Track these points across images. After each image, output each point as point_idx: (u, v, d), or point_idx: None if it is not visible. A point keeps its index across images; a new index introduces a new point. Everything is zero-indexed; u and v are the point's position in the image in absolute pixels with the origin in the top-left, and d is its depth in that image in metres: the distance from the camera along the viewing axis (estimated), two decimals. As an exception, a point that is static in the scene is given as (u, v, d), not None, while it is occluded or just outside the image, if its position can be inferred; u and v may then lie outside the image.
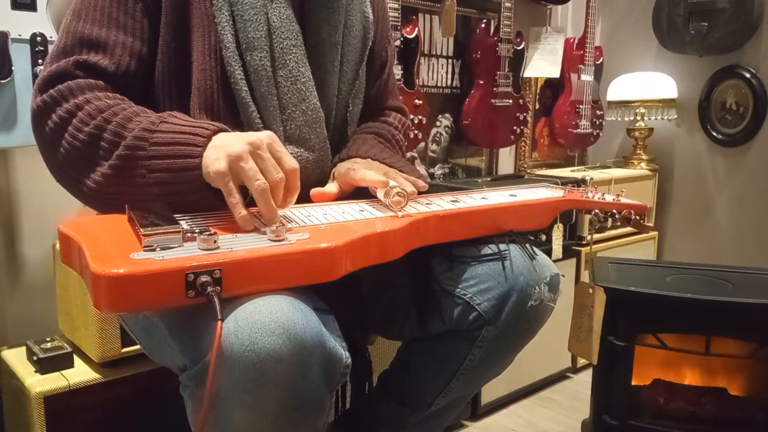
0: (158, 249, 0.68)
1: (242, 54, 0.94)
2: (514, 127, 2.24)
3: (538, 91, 2.49)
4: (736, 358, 1.50)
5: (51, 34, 1.30)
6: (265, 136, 0.80)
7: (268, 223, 0.76)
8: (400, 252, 0.84)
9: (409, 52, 1.92)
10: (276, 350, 0.67)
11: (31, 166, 1.42)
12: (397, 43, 1.85)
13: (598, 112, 2.51)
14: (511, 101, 2.19)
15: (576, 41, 2.41)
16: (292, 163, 0.81)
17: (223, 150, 0.78)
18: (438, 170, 2.21)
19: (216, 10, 0.93)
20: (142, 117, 0.85)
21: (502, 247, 0.99)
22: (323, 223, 0.82)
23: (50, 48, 1.30)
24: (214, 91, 0.93)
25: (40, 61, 1.29)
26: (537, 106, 2.50)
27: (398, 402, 1.10)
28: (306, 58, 1.00)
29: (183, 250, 0.69)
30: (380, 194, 0.91)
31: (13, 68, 1.26)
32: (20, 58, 1.28)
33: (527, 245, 1.00)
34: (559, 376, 2.12)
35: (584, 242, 2.11)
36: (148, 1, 0.93)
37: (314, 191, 0.96)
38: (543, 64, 2.36)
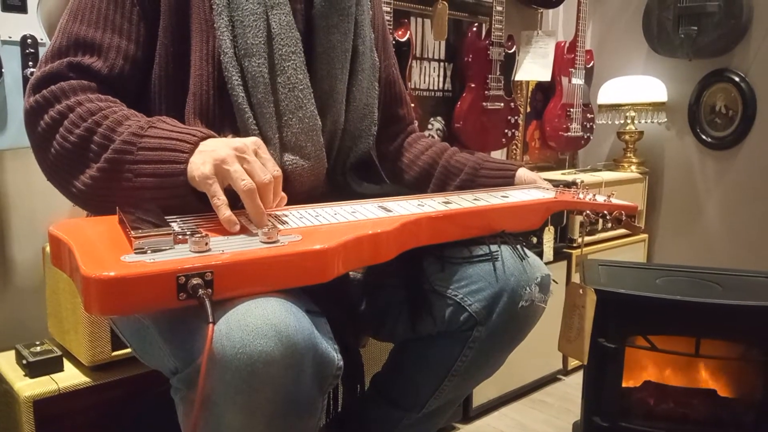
0: (149, 251, 0.68)
1: (240, 60, 0.94)
2: (506, 130, 2.25)
3: (529, 95, 2.50)
4: (726, 360, 1.51)
5: (42, 36, 1.30)
6: (250, 142, 0.81)
7: (256, 225, 0.76)
8: (393, 253, 0.84)
9: (401, 56, 1.93)
10: (268, 352, 0.67)
11: (20, 169, 1.42)
12: (392, 46, 1.86)
13: (588, 115, 2.52)
14: (502, 104, 2.20)
15: (567, 45, 2.43)
16: (275, 169, 0.81)
17: (208, 155, 0.78)
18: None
19: (215, 15, 0.93)
20: (132, 121, 0.84)
21: (493, 248, 0.99)
22: (315, 224, 0.82)
23: (41, 50, 1.29)
24: (210, 96, 0.93)
25: (30, 63, 1.29)
26: (528, 110, 2.50)
27: (390, 404, 1.10)
28: (305, 66, 1.00)
29: (174, 252, 0.68)
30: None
31: (3, 70, 1.26)
32: (10, 60, 1.27)
33: (518, 246, 1.01)
34: (551, 379, 2.12)
35: (575, 245, 2.12)
36: (145, 4, 0.92)
37: None
38: (534, 67, 2.37)
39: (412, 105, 1.94)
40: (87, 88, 0.88)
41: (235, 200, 0.78)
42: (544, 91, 2.52)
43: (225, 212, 0.76)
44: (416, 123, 1.35)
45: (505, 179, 1.17)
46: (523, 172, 1.18)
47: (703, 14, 2.23)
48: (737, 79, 2.30)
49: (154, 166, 0.80)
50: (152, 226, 0.71)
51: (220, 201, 0.76)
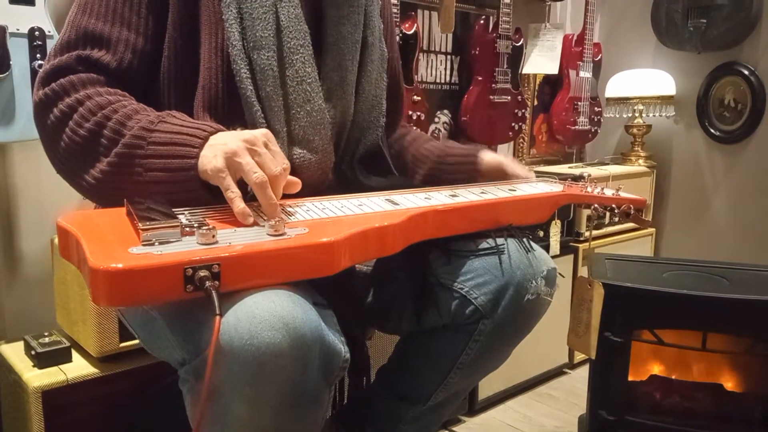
0: (156, 243, 0.68)
1: (249, 53, 0.93)
2: (513, 124, 2.24)
3: (536, 88, 2.49)
4: (733, 354, 1.50)
5: (49, 28, 1.30)
6: (260, 134, 0.81)
7: (268, 217, 0.76)
8: (399, 246, 0.84)
9: (408, 48, 1.92)
10: (276, 344, 0.67)
11: (29, 161, 1.42)
12: (396, 39, 1.86)
13: (596, 108, 2.51)
14: (509, 98, 2.19)
15: (575, 38, 2.41)
16: (285, 161, 0.81)
17: (219, 148, 0.79)
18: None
19: (224, 7, 0.93)
20: (141, 115, 0.85)
21: (500, 241, 0.99)
22: (322, 217, 0.82)
23: (48, 43, 1.30)
24: (218, 90, 0.93)
25: (38, 55, 1.29)
26: (535, 103, 2.50)
27: (396, 396, 1.10)
28: (313, 59, 0.99)
29: (181, 244, 0.69)
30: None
31: (11, 63, 1.26)
32: (18, 52, 1.27)
33: (524, 239, 1.01)
34: (556, 372, 2.12)
35: (582, 238, 2.12)
36: None
37: None
38: (541, 60, 2.36)
39: (419, 98, 1.94)
40: (96, 81, 0.89)
41: (244, 193, 0.78)
42: (552, 85, 2.51)
43: (239, 205, 0.76)
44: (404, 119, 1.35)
45: (469, 163, 1.15)
46: (486, 155, 1.15)
47: (712, 7, 2.22)
48: (746, 72, 2.29)
49: (164, 161, 0.81)
50: (160, 218, 0.72)
51: (233, 194, 0.77)
